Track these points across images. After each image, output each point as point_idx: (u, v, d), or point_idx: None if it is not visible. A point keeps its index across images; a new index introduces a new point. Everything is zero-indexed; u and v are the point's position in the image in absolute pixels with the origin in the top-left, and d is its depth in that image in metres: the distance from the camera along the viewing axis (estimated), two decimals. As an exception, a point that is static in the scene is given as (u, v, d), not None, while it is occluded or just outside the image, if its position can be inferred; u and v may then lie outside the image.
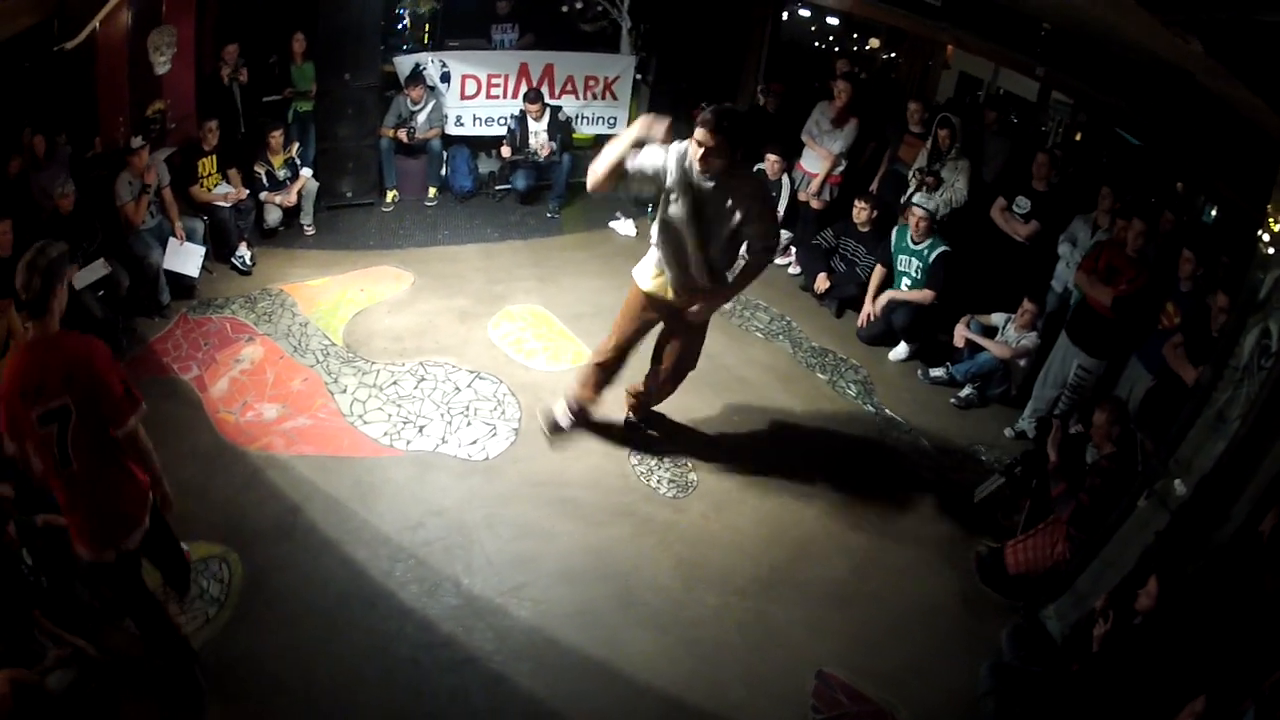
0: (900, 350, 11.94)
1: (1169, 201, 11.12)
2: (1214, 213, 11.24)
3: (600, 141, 15.53)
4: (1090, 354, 10.02)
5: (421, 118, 14.25)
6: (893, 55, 18.25)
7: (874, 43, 19.32)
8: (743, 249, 8.41)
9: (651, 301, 8.73)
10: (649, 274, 8.64)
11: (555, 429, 9.57)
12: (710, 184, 7.88)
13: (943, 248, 11.36)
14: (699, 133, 7.57)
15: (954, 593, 8.47)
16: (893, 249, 11.86)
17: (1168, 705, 5.94)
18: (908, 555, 8.85)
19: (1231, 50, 6.40)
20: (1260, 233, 7.23)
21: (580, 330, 11.70)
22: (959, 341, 11.10)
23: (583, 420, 9.67)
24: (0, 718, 5.32)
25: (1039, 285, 11.13)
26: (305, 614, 7.53)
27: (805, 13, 18.27)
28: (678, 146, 7.90)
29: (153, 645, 6.88)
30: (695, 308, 8.43)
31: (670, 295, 8.56)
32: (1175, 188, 11.65)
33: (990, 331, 11.08)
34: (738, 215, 7.95)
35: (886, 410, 10.93)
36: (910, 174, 12.44)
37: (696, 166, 7.75)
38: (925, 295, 11.50)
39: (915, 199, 11.56)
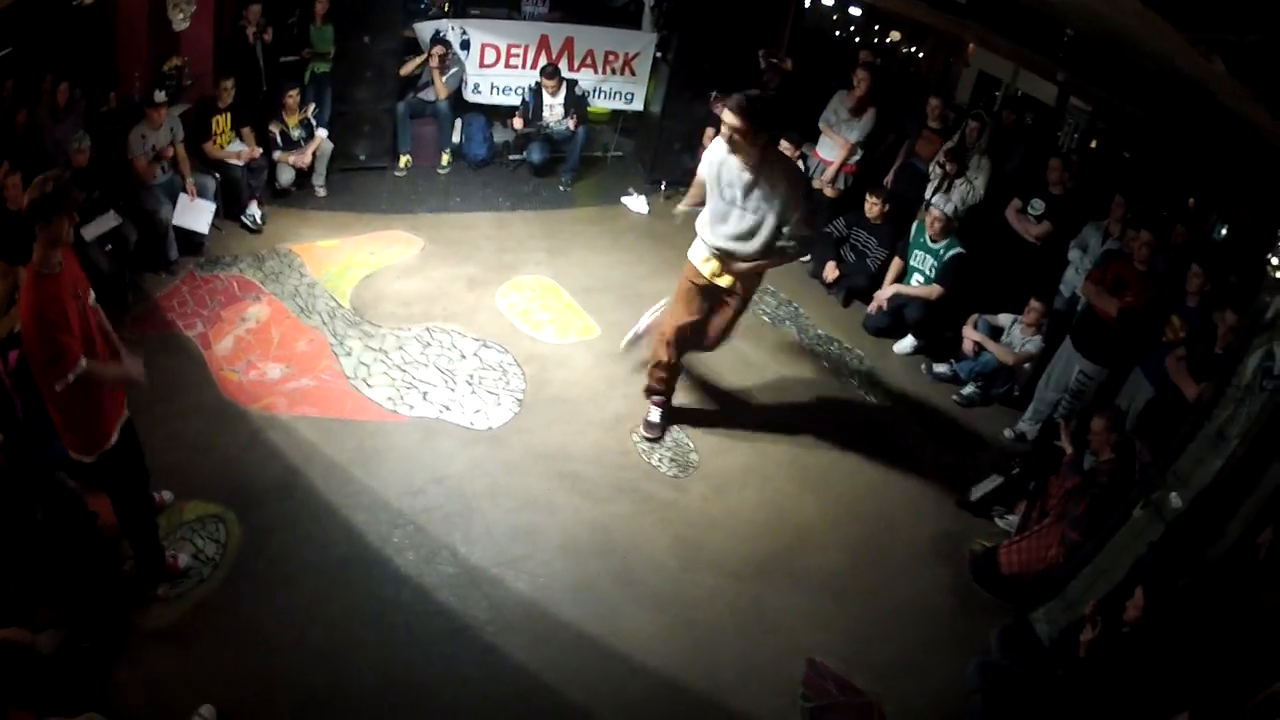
0: (906, 344, 11.92)
1: (1181, 215, 11.09)
2: (1224, 231, 11.20)
3: (617, 117, 15.59)
4: (1093, 361, 10.01)
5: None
6: (913, 49, 18.22)
7: (895, 35, 19.27)
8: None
9: (704, 290, 8.97)
10: (701, 258, 8.84)
11: (653, 432, 9.79)
12: (749, 176, 8.03)
13: (958, 250, 11.34)
14: (727, 116, 7.68)
15: (947, 590, 8.50)
16: (910, 243, 11.85)
17: (1151, 717, 5.96)
18: (903, 549, 8.88)
19: (1254, 72, 6.40)
20: (1270, 256, 7.23)
21: (589, 304, 11.68)
22: (967, 346, 11.06)
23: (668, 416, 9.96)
24: None
25: (1048, 286, 11.10)
26: (301, 576, 7.55)
27: (828, 1, 18.21)
28: (715, 146, 8.19)
29: (128, 532, 7.11)
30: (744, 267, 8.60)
31: (721, 280, 8.79)
32: (1187, 202, 11.61)
33: (997, 331, 11.05)
34: (777, 203, 8.09)
35: (889, 403, 10.92)
36: (933, 164, 12.38)
37: (733, 158, 8.01)
38: (932, 291, 11.48)
39: (934, 200, 11.53)
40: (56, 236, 5.72)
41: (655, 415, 9.74)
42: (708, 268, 8.74)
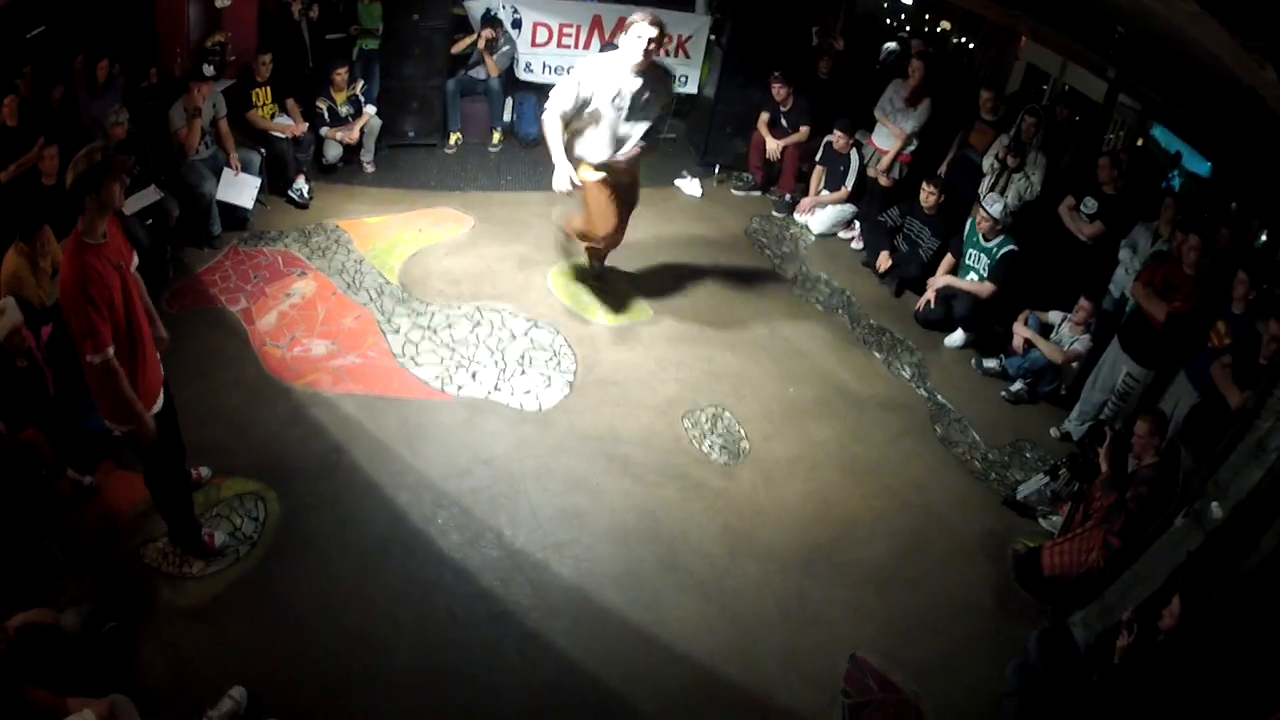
0: (956, 337, 11.78)
1: (1224, 218, 10.93)
2: (1264, 237, 11.04)
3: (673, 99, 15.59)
4: (1140, 363, 9.85)
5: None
6: (963, 40, 18.10)
7: (945, 24, 19.17)
8: None
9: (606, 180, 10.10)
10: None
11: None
12: (639, 79, 9.49)
13: (1011, 247, 11.18)
14: (648, 30, 9.27)
15: (988, 588, 8.35)
16: (964, 240, 11.68)
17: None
18: (947, 545, 8.74)
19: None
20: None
21: (640, 286, 11.61)
22: (1018, 343, 10.91)
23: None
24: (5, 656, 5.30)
25: (1098, 285, 10.95)
26: (341, 555, 7.49)
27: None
28: (596, 66, 9.64)
29: (161, 507, 7.11)
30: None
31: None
32: (1229, 207, 11.43)
33: (1047, 328, 10.90)
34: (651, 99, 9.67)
35: (939, 396, 10.75)
36: (990, 159, 12.25)
37: (629, 74, 9.45)
38: (984, 288, 11.33)
39: (984, 203, 11.37)
40: (107, 202, 5.71)
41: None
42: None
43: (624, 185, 10.35)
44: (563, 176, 9.47)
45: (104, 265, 5.77)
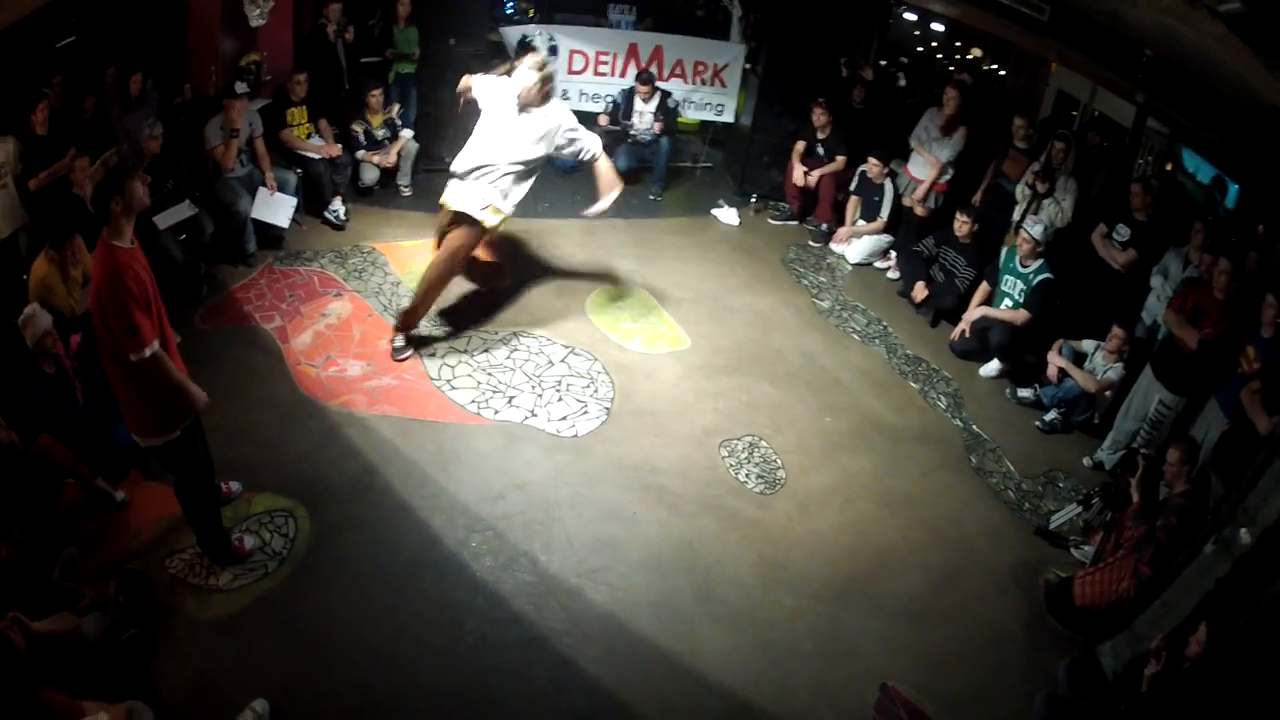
0: (991, 367, 11.70)
1: (1252, 242, 10.87)
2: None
3: (706, 128, 15.59)
4: (1172, 390, 9.76)
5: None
6: (994, 67, 18.06)
7: (976, 52, 19.15)
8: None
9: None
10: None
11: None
12: (524, 116, 9.60)
13: (1046, 275, 11.13)
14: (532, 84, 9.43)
15: (1020, 619, 8.25)
16: (1000, 268, 11.64)
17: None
18: (981, 576, 8.65)
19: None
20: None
21: (679, 315, 11.59)
22: (1052, 372, 10.85)
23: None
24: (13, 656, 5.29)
25: (1131, 313, 10.88)
26: (371, 577, 7.48)
27: (911, 16, 18.10)
28: (495, 86, 9.80)
29: (191, 518, 7.13)
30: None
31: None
32: (1257, 230, 11.36)
33: (1081, 357, 10.85)
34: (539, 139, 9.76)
35: (974, 426, 10.67)
36: (1021, 185, 12.23)
37: (517, 99, 9.52)
38: (1019, 315, 11.27)
39: (1025, 224, 11.35)
40: (132, 201, 5.85)
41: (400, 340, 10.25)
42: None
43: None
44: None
45: (137, 266, 5.88)
